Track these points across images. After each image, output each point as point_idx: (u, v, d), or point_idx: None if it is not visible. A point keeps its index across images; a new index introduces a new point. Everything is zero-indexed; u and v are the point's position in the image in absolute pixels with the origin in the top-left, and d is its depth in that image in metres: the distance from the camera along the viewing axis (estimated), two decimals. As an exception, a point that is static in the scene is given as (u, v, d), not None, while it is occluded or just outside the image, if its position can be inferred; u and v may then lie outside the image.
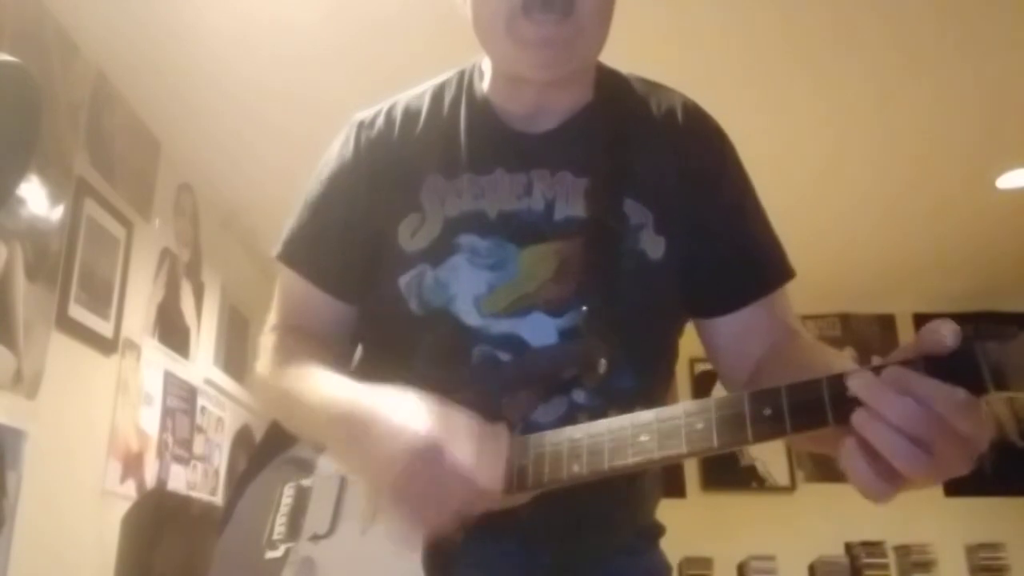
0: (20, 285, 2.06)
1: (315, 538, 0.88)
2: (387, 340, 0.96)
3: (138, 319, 2.71)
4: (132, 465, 2.61)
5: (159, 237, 2.90)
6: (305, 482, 0.93)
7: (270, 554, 0.91)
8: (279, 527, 0.92)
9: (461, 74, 1.03)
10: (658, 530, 0.98)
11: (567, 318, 0.87)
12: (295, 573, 0.87)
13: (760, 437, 0.65)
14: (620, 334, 0.85)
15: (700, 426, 0.67)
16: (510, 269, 0.89)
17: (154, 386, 2.81)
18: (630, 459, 0.70)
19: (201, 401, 3.22)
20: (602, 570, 0.90)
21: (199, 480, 3.17)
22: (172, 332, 2.98)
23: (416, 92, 1.03)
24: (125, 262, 2.61)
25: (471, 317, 0.88)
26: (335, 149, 1.03)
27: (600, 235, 0.89)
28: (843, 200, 3.49)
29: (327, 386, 0.88)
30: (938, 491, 4.45)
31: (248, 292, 4.00)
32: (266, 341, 1.02)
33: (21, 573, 1.98)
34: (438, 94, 1.01)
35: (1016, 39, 2.49)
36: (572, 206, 0.90)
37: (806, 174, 3.22)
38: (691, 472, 4.45)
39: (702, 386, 4.59)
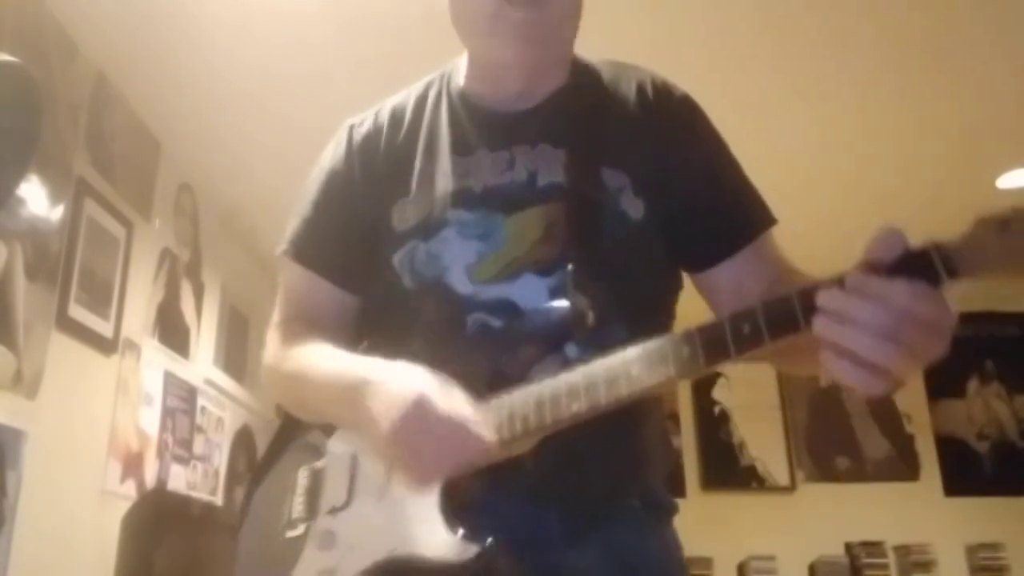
0: (20, 285, 2.06)
1: (333, 511, 0.92)
2: (385, 320, 1.00)
3: (138, 319, 2.71)
4: (132, 465, 2.61)
5: (159, 237, 2.90)
6: (318, 464, 0.97)
7: (290, 533, 0.95)
8: (297, 507, 0.96)
9: (442, 74, 1.10)
10: (669, 507, 1.01)
11: (556, 277, 0.91)
12: (317, 545, 0.91)
13: (742, 350, 0.72)
14: (608, 288, 0.90)
15: (687, 351, 0.74)
16: (497, 237, 0.94)
17: (154, 386, 2.81)
18: (624, 389, 0.76)
19: (201, 401, 3.22)
20: (612, 541, 0.91)
21: (199, 480, 3.17)
22: (172, 332, 2.98)
23: (402, 94, 1.11)
24: (125, 262, 2.61)
25: (463, 285, 0.93)
26: (330, 150, 1.10)
27: (581, 200, 0.95)
28: (842, 199, 3.49)
29: (329, 364, 0.94)
30: (938, 491, 4.45)
31: (248, 292, 3.99)
32: (271, 335, 1.07)
33: (21, 573, 1.98)
34: (422, 92, 1.09)
35: (1017, 39, 2.49)
36: (553, 174, 0.96)
37: (805, 173, 3.22)
38: (691, 472, 4.45)
39: (702, 386, 4.60)
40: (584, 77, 1.05)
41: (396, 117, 1.07)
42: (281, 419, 1.09)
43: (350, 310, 1.05)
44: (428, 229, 0.96)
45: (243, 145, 3.03)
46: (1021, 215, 0.65)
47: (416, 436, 0.80)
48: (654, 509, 0.99)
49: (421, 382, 0.82)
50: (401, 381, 0.83)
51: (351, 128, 1.09)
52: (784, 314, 0.70)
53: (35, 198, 2.14)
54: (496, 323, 0.90)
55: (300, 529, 0.94)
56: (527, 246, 0.93)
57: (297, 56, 2.53)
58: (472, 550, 0.79)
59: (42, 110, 1.69)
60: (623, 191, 0.96)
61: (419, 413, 0.79)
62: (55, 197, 2.23)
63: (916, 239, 0.70)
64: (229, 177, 3.25)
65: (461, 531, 0.81)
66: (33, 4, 2.16)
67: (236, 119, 2.85)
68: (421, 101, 1.07)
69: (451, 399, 0.81)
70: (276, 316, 1.09)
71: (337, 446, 0.96)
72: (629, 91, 1.03)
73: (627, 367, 0.77)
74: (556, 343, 0.88)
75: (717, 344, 0.73)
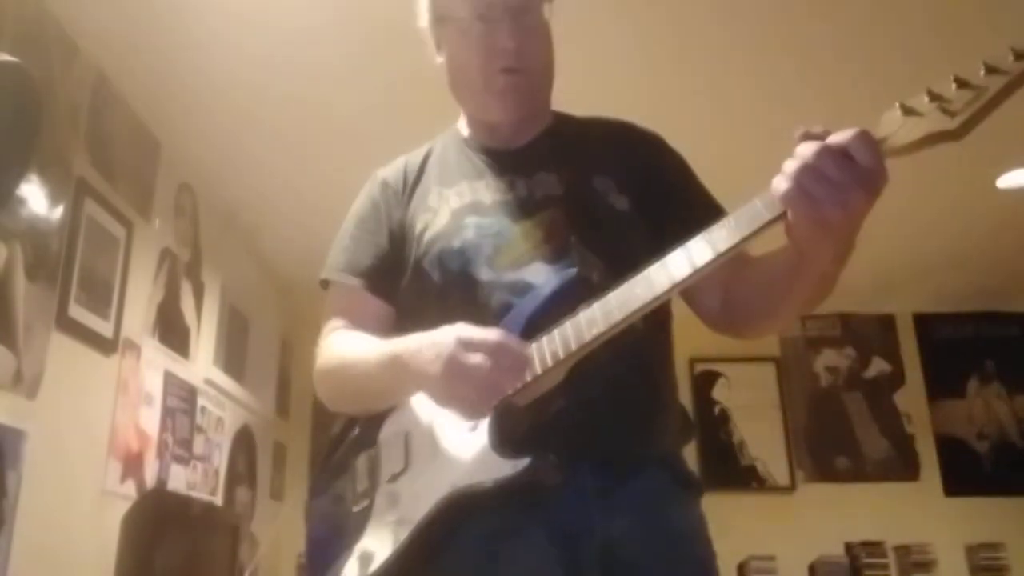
0: (20, 285, 2.06)
1: (394, 477, 1.05)
2: (420, 311, 1.12)
3: (138, 319, 2.71)
4: (132, 465, 2.61)
5: (159, 237, 2.90)
6: (372, 450, 1.10)
7: (357, 507, 1.08)
8: (361, 484, 1.09)
9: (444, 134, 1.32)
10: (697, 484, 1.13)
11: (562, 264, 1.07)
12: (384, 507, 1.04)
13: (724, 257, 0.88)
14: (607, 263, 1.06)
15: (682, 257, 0.90)
16: (509, 235, 1.12)
17: (154, 386, 2.81)
18: (635, 305, 0.91)
19: (201, 401, 3.22)
20: (643, 502, 1.02)
21: (199, 480, 3.17)
22: (172, 332, 2.98)
23: (416, 150, 1.31)
24: (125, 262, 2.61)
25: (485, 273, 1.09)
26: (360, 196, 1.29)
27: (576, 200, 1.14)
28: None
29: (371, 347, 1.09)
30: (938, 491, 4.46)
31: (248, 292, 3.99)
32: (320, 347, 1.21)
33: (21, 573, 1.98)
34: (430, 147, 1.30)
35: (1017, 39, 2.49)
36: (550, 190, 1.16)
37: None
38: (691, 472, 4.45)
39: (702, 386, 4.60)
40: (564, 119, 1.29)
41: (411, 164, 1.28)
42: (340, 427, 1.21)
43: (389, 318, 1.20)
44: (450, 234, 1.14)
45: (243, 145, 3.03)
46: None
47: (466, 365, 0.93)
48: (682, 482, 1.10)
49: (455, 327, 0.97)
50: (438, 333, 0.98)
51: (375, 177, 1.29)
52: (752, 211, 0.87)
53: (35, 198, 2.14)
54: (516, 300, 1.05)
55: (366, 501, 1.07)
56: (534, 243, 1.10)
57: (298, 55, 2.53)
58: (522, 463, 0.92)
59: (42, 110, 1.70)
60: (610, 191, 1.15)
61: (462, 346, 0.94)
62: (55, 197, 2.23)
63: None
64: (229, 177, 3.25)
65: (508, 452, 0.94)
66: (33, 4, 2.16)
67: (236, 119, 2.85)
68: (430, 152, 1.29)
69: (481, 332, 0.95)
70: (324, 331, 1.23)
71: (388, 432, 1.10)
72: (603, 125, 1.27)
73: (632, 288, 0.92)
74: (569, 305, 0.99)
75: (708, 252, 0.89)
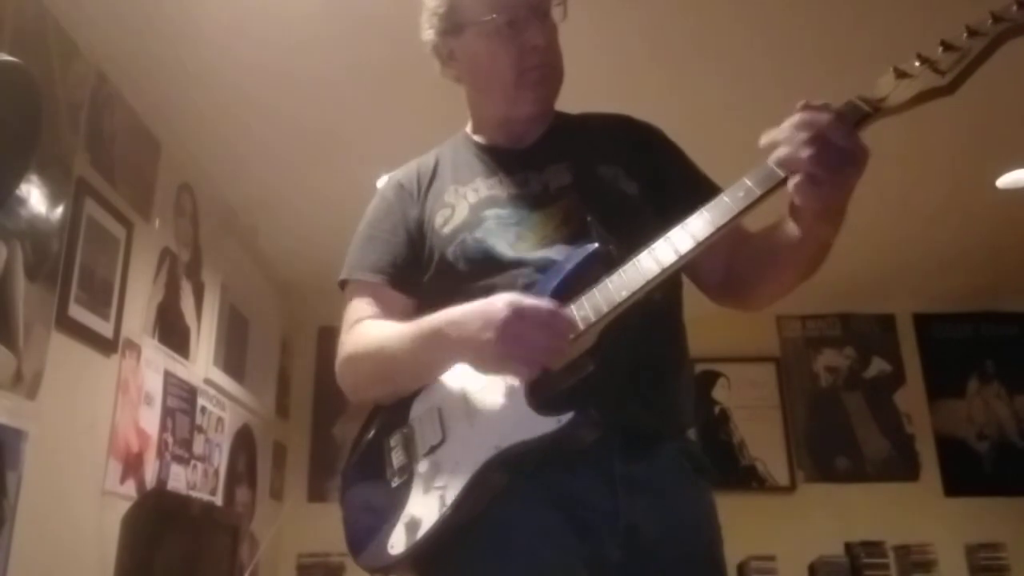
0: (20, 285, 2.06)
1: (432, 449, 1.07)
2: (446, 299, 1.12)
3: (138, 319, 2.71)
4: (132, 465, 2.61)
5: (159, 237, 2.90)
6: (404, 429, 1.12)
7: (396, 481, 1.09)
8: (397, 459, 1.10)
9: (453, 138, 1.36)
10: (710, 469, 1.16)
11: (582, 242, 1.09)
12: (424, 478, 1.05)
13: (737, 217, 0.96)
14: (622, 236, 1.09)
15: (700, 223, 0.98)
16: (530, 223, 1.16)
17: (154, 386, 2.81)
18: (656, 268, 0.98)
19: (201, 401, 3.22)
20: (665, 489, 1.07)
21: (199, 480, 3.17)
22: (172, 332, 2.98)
23: (425, 156, 1.35)
24: (125, 262, 2.61)
25: (509, 255, 1.13)
26: (375, 199, 1.33)
27: (588, 188, 1.19)
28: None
29: (407, 326, 1.11)
30: (938, 491, 4.46)
31: (248, 292, 3.99)
32: (345, 338, 1.23)
33: (21, 573, 1.98)
34: (443, 149, 1.34)
35: (1017, 39, 2.49)
36: (561, 180, 1.21)
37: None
38: (691, 472, 4.45)
39: (702, 386, 4.60)
40: (563, 116, 1.33)
41: (424, 166, 1.31)
42: (367, 414, 1.22)
43: (409, 311, 1.21)
44: (471, 225, 1.18)
45: (243, 145, 3.03)
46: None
47: (520, 330, 0.97)
48: (697, 467, 1.14)
49: (505, 295, 1.01)
50: (486, 302, 1.01)
51: (389, 179, 1.33)
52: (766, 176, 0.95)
53: (35, 198, 2.14)
54: (542, 277, 1.09)
55: (405, 475, 1.08)
56: (553, 226, 1.15)
57: (297, 56, 2.53)
58: (566, 417, 0.97)
59: (42, 110, 1.69)
60: (618, 177, 1.20)
61: (515, 313, 0.97)
62: (55, 197, 2.23)
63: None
64: (229, 177, 3.26)
65: (549, 411, 0.99)
66: (33, 4, 2.16)
67: (236, 119, 2.85)
68: (439, 155, 1.33)
69: (531, 299, 1.00)
70: (347, 323, 1.24)
71: (418, 411, 1.12)
72: (602, 118, 1.33)
73: (654, 251, 0.99)
74: (591, 277, 1.03)
75: (725, 213, 0.97)
